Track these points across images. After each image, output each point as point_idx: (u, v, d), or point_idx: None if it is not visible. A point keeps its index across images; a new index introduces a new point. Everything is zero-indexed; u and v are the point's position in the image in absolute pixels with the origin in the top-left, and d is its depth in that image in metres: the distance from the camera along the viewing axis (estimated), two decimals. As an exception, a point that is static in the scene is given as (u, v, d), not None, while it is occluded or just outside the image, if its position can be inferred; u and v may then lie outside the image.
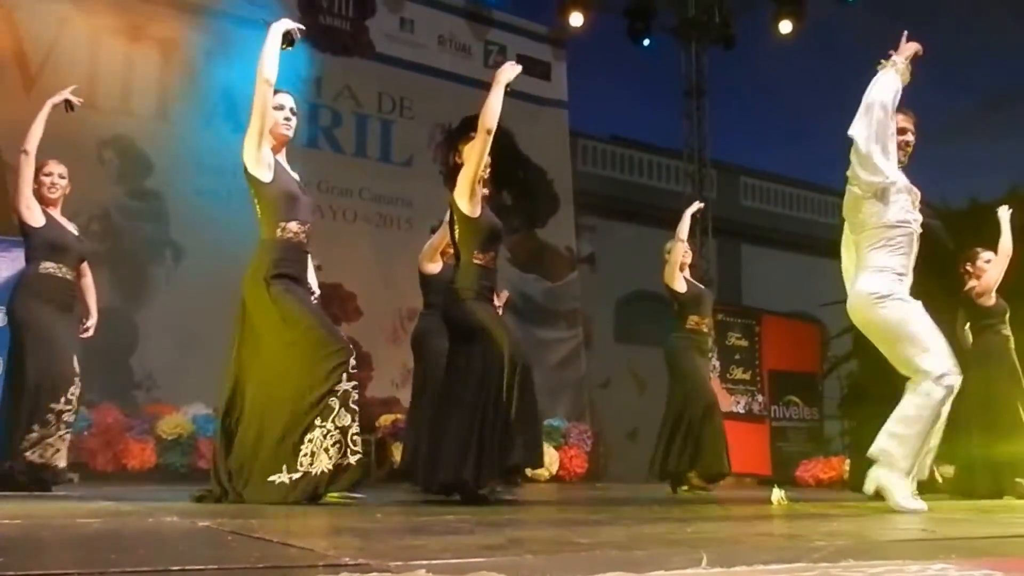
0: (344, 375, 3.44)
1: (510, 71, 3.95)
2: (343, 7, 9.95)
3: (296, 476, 3.35)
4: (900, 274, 3.58)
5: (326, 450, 3.36)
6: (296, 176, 3.75)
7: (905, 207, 3.60)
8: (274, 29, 3.61)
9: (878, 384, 5.10)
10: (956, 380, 3.40)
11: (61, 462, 4.47)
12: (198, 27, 8.86)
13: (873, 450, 3.44)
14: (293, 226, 3.58)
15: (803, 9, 10.54)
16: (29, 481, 4.26)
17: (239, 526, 2.35)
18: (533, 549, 1.88)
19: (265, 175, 3.57)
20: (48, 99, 4.65)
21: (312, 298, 3.95)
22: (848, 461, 7.99)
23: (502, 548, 1.87)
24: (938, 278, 6.30)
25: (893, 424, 3.42)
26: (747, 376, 9.54)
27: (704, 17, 11.18)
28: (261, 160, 3.56)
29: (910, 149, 3.73)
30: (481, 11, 10.92)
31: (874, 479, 3.41)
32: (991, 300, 5.58)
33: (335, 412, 3.40)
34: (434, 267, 5.24)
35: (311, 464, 3.35)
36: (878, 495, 3.41)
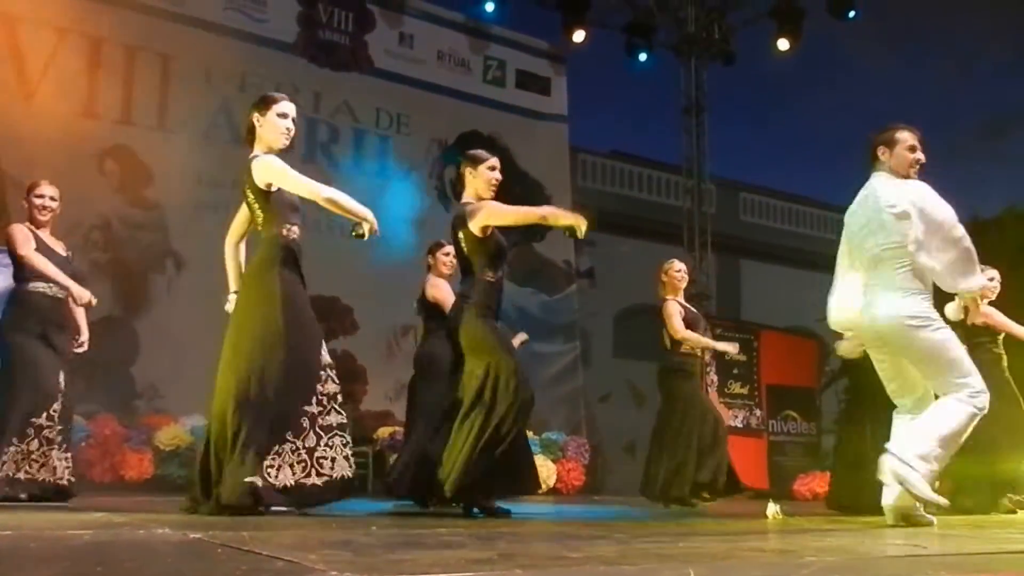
0: (314, 398, 3.51)
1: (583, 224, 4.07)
2: (342, 22, 9.98)
3: (262, 484, 3.39)
4: (929, 296, 3.62)
5: (291, 466, 3.42)
6: None
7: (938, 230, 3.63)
8: (362, 210, 3.61)
9: (868, 402, 5.12)
10: (987, 401, 3.50)
11: (57, 477, 4.49)
12: (198, 40, 8.90)
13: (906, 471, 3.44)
14: (296, 230, 3.69)
15: (800, 27, 10.60)
16: (3, 497, 4.28)
17: (230, 539, 2.34)
18: (523, 563, 1.88)
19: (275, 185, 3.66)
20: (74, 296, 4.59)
21: None
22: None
23: (491, 563, 1.86)
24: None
25: (933, 421, 3.47)
26: (745, 391, 9.55)
27: (704, 34, 11.24)
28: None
29: (919, 167, 3.75)
30: (481, 27, 10.94)
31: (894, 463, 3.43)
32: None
33: (305, 432, 3.47)
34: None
35: (276, 476, 3.40)
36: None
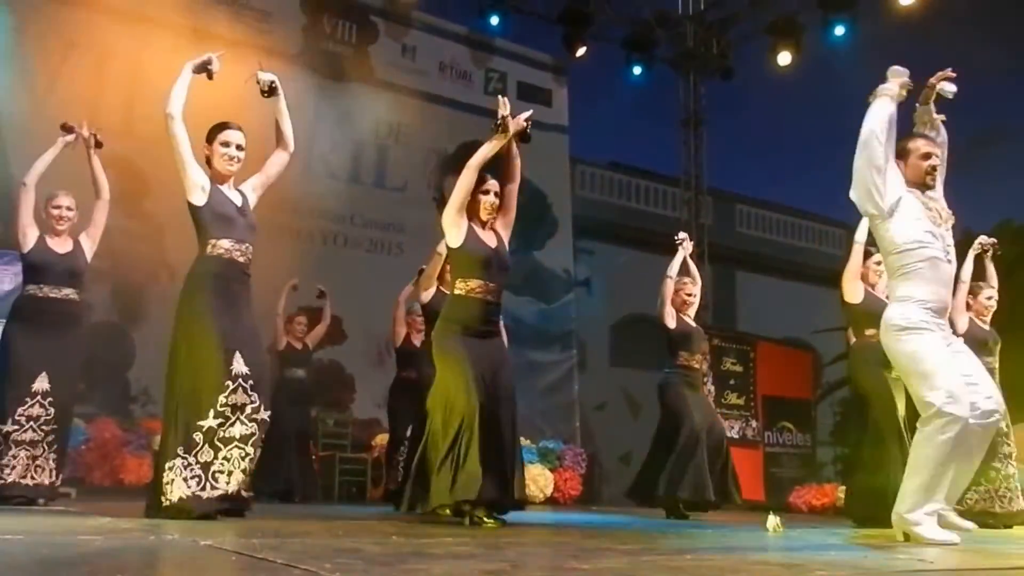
0: (212, 411, 3.52)
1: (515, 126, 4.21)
2: (345, 33, 10.01)
3: (166, 503, 3.47)
4: (923, 301, 3.42)
5: (185, 480, 3.48)
6: (237, 201, 3.90)
7: (919, 228, 3.47)
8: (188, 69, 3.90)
9: (871, 411, 5.16)
10: (958, 415, 3.24)
11: (44, 479, 4.48)
12: (200, 52, 8.89)
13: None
14: (224, 244, 3.78)
15: (799, 43, 10.67)
16: None
17: (241, 546, 2.36)
18: (535, 574, 1.90)
19: (198, 199, 3.82)
20: (59, 136, 4.82)
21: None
22: (841, 488, 8.05)
23: (504, 573, 1.88)
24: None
25: (908, 468, 3.39)
26: (741, 401, 9.57)
27: (702, 48, 11.32)
28: (194, 186, 3.83)
29: (936, 172, 3.62)
30: (483, 39, 10.97)
31: (896, 522, 3.39)
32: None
33: (199, 447, 3.50)
34: (427, 295, 5.36)
35: (171, 492, 3.47)
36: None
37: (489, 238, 4.15)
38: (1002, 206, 12.65)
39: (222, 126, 3.94)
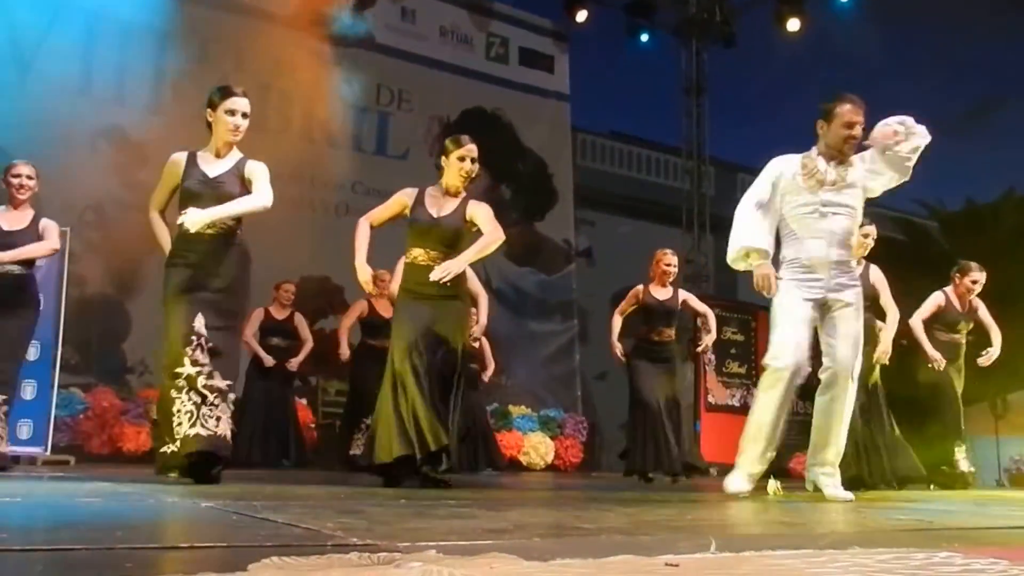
0: (187, 359, 3.54)
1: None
2: (343, -4, 9.88)
3: (175, 447, 3.49)
4: (790, 260, 3.62)
5: (180, 423, 3.50)
6: (217, 171, 3.83)
7: (793, 203, 3.57)
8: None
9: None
10: (779, 369, 3.52)
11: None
12: (195, 18, 8.78)
13: None
14: (185, 213, 3.86)
15: (803, 9, 10.55)
16: None
17: (242, 507, 2.36)
18: (539, 532, 1.89)
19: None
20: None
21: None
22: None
23: (507, 532, 1.87)
24: (931, 277, 6.45)
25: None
26: (742, 370, 9.60)
27: (705, 15, 11.19)
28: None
29: (854, 143, 3.56)
30: (484, 3, 10.86)
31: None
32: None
33: (187, 388, 3.53)
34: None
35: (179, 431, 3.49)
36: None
37: (440, 207, 4.20)
38: (1007, 175, 12.58)
39: (228, 91, 3.75)
